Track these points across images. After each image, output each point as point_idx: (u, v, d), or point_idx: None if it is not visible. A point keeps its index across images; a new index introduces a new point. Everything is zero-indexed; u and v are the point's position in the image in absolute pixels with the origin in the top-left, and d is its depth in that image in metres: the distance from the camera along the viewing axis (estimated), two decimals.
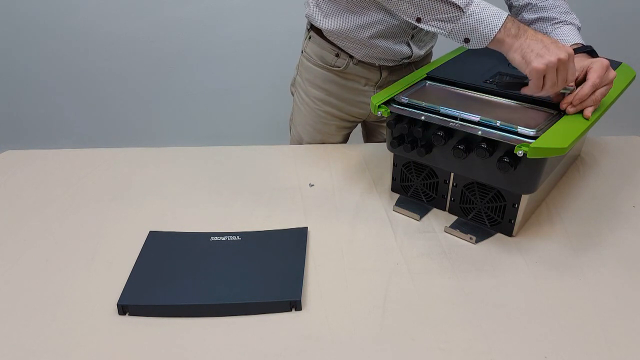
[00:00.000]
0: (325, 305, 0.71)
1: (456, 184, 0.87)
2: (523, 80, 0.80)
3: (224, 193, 0.97)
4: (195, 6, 1.99)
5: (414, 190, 0.93)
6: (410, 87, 0.91)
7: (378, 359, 0.63)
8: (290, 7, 1.96)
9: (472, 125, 0.78)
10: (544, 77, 0.74)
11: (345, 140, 1.25)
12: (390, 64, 1.07)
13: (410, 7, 0.78)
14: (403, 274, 0.76)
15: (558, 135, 0.73)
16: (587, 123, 0.77)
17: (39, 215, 0.90)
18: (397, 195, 0.95)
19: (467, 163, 0.81)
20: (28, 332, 0.67)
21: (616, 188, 0.96)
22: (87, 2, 1.98)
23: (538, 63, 0.73)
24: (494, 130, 0.76)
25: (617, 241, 0.82)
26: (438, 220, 0.88)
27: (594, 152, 1.08)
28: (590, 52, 0.87)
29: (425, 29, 0.81)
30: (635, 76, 0.94)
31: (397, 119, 0.86)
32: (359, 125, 1.32)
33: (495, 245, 0.82)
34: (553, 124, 0.77)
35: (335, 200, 0.94)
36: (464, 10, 0.75)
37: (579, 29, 0.96)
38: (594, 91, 0.79)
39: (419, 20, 0.78)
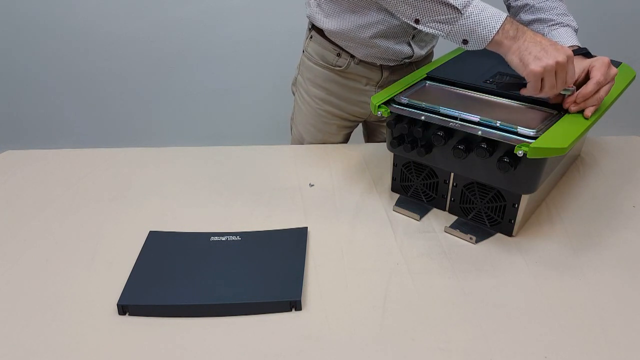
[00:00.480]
0: (325, 305, 0.71)
1: (456, 184, 0.87)
2: (522, 81, 0.80)
3: (224, 193, 0.97)
4: (195, 6, 1.99)
5: (414, 190, 0.93)
6: (410, 87, 0.91)
7: (378, 359, 0.63)
8: (290, 7, 1.96)
9: (472, 125, 0.78)
10: (542, 79, 0.74)
11: (346, 139, 1.25)
12: (392, 64, 1.07)
13: (408, 8, 0.78)
14: (403, 274, 0.76)
15: (558, 135, 0.73)
16: (587, 123, 0.77)
17: (39, 215, 0.90)
18: (397, 195, 0.95)
19: (467, 163, 0.81)
20: (28, 332, 0.67)
21: (616, 188, 0.96)
22: (87, 2, 1.98)
23: (535, 66, 0.73)
24: (494, 130, 0.76)
25: (617, 241, 0.82)
26: (438, 220, 0.88)
27: (594, 152, 1.08)
28: (586, 54, 0.87)
29: (423, 30, 0.81)
30: (635, 76, 0.94)
31: (397, 119, 0.86)
32: (360, 125, 1.32)
33: (495, 245, 0.82)
34: (553, 124, 0.77)
35: (335, 200, 0.94)
36: (462, 12, 0.75)
37: (575, 30, 0.97)
38: (598, 89, 0.79)
39: (417, 21, 0.79)
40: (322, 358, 0.63)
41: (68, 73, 2.15)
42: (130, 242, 0.82)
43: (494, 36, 0.75)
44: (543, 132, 0.74)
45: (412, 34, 1.03)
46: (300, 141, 1.24)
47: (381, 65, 1.07)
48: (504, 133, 0.75)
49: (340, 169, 1.04)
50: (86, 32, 2.04)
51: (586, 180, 0.98)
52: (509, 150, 0.75)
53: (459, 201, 0.87)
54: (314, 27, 1.10)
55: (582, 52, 0.88)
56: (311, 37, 1.11)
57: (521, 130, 0.75)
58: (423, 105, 0.84)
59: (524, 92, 0.79)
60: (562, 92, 0.78)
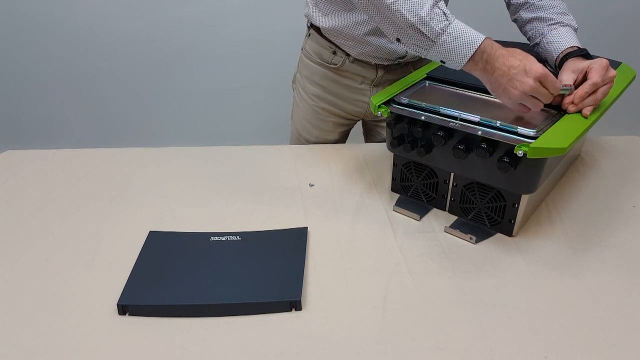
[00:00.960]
0: (325, 305, 0.71)
1: (456, 184, 0.87)
2: None
3: (224, 193, 0.97)
4: (195, 6, 1.99)
5: (414, 190, 0.93)
6: (410, 87, 0.91)
7: (378, 359, 0.63)
8: (290, 7, 1.96)
9: (472, 125, 0.78)
10: (521, 103, 0.76)
11: (343, 138, 1.26)
12: (386, 63, 1.08)
13: (390, 28, 0.80)
14: (403, 274, 0.76)
15: (558, 135, 0.74)
16: (587, 123, 0.77)
17: (39, 215, 0.90)
18: (397, 195, 0.95)
19: (467, 163, 0.81)
20: (28, 332, 0.67)
21: (616, 188, 0.96)
22: (87, 2, 1.98)
23: (506, 100, 0.76)
24: (494, 130, 0.76)
25: (617, 241, 0.82)
26: (438, 220, 0.88)
27: (594, 152, 1.08)
28: (585, 56, 0.88)
29: (404, 49, 0.82)
30: (635, 76, 0.94)
31: (397, 119, 0.86)
32: (360, 125, 1.33)
33: (495, 245, 0.82)
34: (553, 124, 0.77)
35: (335, 200, 0.94)
36: (435, 41, 0.76)
37: (575, 30, 0.97)
38: (595, 90, 0.79)
39: (398, 40, 0.81)
40: (322, 358, 0.63)
41: (68, 73, 2.15)
42: (130, 242, 0.82)
43: (464, 65, 0.76)
44: (543, 132, 0.74)
45: None
46: (298, 137, 1.25)
47: (376, 64, 1.08)
48: (504, 133, 0.75)
49: (340, 169, 1.04)
50: (86, 32, 2.04)
51: (586, 180, 0.99)
52: (509, 150, 0.75)
53: (459, 201, 0.87)
54: (312, 26, 1.11)
55: (582, 54, 0.88)
56: (309, 35, 1.13)
57: (521, 130, 0.75)
58: (423, 105, 0.84)
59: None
60: (561, 92, 0.78)
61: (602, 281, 0.74)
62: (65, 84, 2.17)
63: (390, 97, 0.87)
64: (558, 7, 0.97)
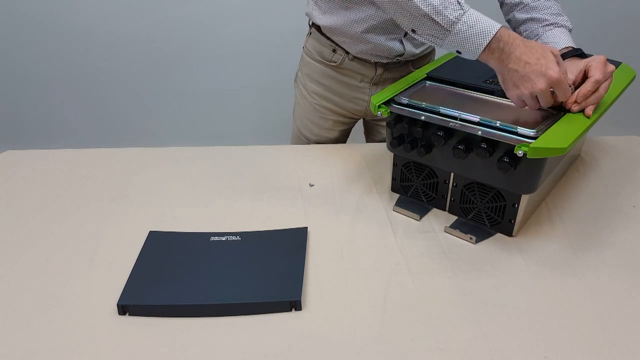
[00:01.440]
0: (325, 305, 0.71)
1: (456, 184, 0.87)
2: None
3: (224, 193, 0.97)
4: (195, 6, 1.99)
5: (414, 190, 0.93)
6: (410, 87, 0.91)
7: (378, 359, 0.63)
8: (290, 7, 1.96)
9: (472, 125, 0.78)
10: (524, 100, 0.77)
11: (344, 137, 1.26)
12: (385, 61, 1.08)
13: (405, 19, 0.80)
14: (403, 274, 0.76)
15: (558, 135, 0.73)
16: (587, 123, 0.77)
17: (39, 215, 0.90)
18: (397, 195, 0.95)
19: (467, 163, 0.81)
20: (28, 332, 0.67)
21: (616, 188, 0.96)
22: (87, 2, 1.98)
23: (512, 94, 0.77)
24: (494, 130, 0.76)
25: (617, 241, 0.82)
26: (438, 220, 0.88)
27: (594, 152, 1.08)
28: (581, 55, 0.88)
29: (419, 39, 0.82)
30: (635, 76, 0.94)
31: (397, 119, 0.86)
32: (361, 124, 1.33)
33: (495, 245, 0.82)
34: (553, 124, 0.77)
35: (335, 200, 0.94)
36: (450, 30, 0.76)
37: (569, 31, 0.97)
38: (597, 87, 0.79)
39: (413, 31, 0.81)
40: (322, 358, 0.63)
41: (68, 73, 2.15)
42: (130, 242, 0.82)
43: (480, 54, 0.76)
44: (543, 132, 0.74)
45: (405, 32, 1.03)
46: (299, 135, 1.25)
47: (375, 62, 1.08)
48: (504, 133, 0.75)
49: (340, 169, 1.04)
50: (86, 32, 2.04)
51: (586, 180, 0.98)
52: (509, 150, 0.75)
53: (459, 201, 0.87)
54: (312, 24, 1.12)
55: (577, 54, 0.88)
56: (310, 34, 1.14)
57: (521, 130, 0.75)
58: (423, 105, 0.84)
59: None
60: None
61: (602, 281, 0.74)
62: (65, 84, 2.17)
63: (390, 97, 0.87)
64: (552, 8, 0.97)
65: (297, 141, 1.27)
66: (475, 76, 0.91)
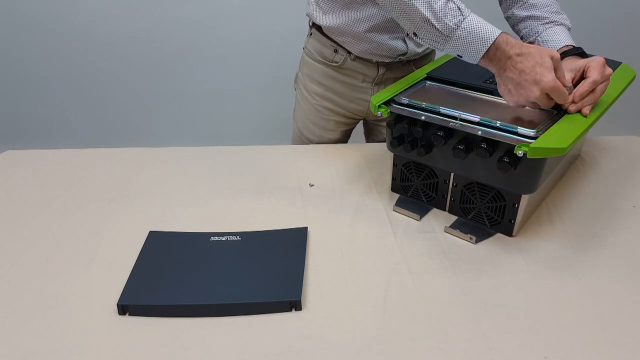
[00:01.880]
0: (325, 305, 0.71)
1: (456, 184, 0.87)
2: None
3: (224, 193, 0.97)
4: (195, 6, 1.99)
5: (414, 190, 0.93)
6: (410, 87, 0.91)
7: (378, 359, 0.63)
8: (290, 7, 1.96)
9: (472, 125, 0.78)
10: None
11: (345, 137, 1.26)
12: (387, 60, 1.08)
13: (407, 23, 0.81)
14: (403, 274, 0.76)
15: (558, 135, 0.73)
16: (587, 123, 0.77)
17: (39, 215, 0.90)
18: (397, 195, 0.95)
19: (467, 163, 0.81)
20: (28, 332, 0.67)
21: (616, 188, 0.96)
22: (87, 2, 1.98)
23: (509, 100, 0.78)
24: (494, 130, 0.76)
25: (617, 241, 0.82)
26: (438, 220, 0.88)
27: (594, 152, 1.08)
28: (581, 54, 0.88)
29: (421, 43, 0.82)
30: (635, 76, 0.94)
31: (397, 119, 0.86)
32: (361, 124, 1.33)
33: (495, 245, 0.82)
34: (553, 124, 0.77)
35: (335, 200, 0.94)
36: (449, 37, 0.77)
37: (569, 29, 0.97)
38: (594, 88, 0.80)
39: (415, 35, 0.81)
40: (322, 358, 0.63)
41: (68, 73, 2.15)
42: (130, 242, 0.82)
43: (479, 59, 0.77)
44: (543, 132, 0.74)
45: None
46: (300, 136, 1.25)
47: (377, 62, 1.08)
48: (504, 133, 0.75)
49: (340, 169, 1.04)
50: (86, 32, 2.04)
51: (586, 180, 0.98)
52: (509, 150, 0.75)
53: (459, 201, 0.87)
54: (313, 25, 1.12)
55: (577, 52, 0.88)
56: (311, 34, 1.14)
57: (521, 130, 0.75)
58: (423, 105, 0.84)
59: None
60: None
61: (602, 281, 0.74)
62: (66, 84, 2.17)
63: (390, 97, 0.87)
64: (552, 6, 0.97)
65: (298, 142, 1.26)
66: (475, 76, 0.91)
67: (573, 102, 0.79)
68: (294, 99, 1.26)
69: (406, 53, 1.06)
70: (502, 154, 0.76)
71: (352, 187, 0.98)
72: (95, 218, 0.90)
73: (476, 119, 0.79)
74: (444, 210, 0.90)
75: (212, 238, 0.81)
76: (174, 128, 2.29)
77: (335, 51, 1.09)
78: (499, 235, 0.84)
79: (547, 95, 0.74)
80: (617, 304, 0.70)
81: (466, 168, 0.82)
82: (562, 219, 0.88)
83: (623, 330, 0.66)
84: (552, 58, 0.74)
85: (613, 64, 0.96)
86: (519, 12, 1.00)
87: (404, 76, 0.97)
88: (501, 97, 0.85)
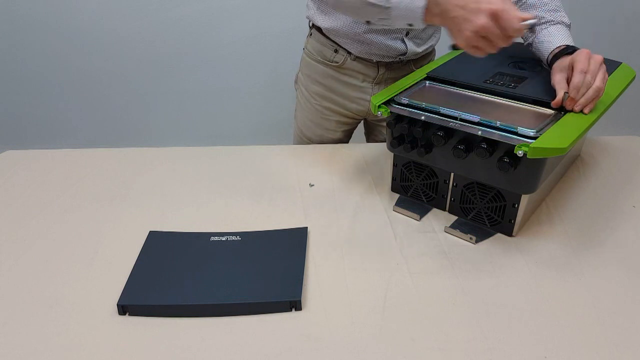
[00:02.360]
0: (325, 305, 0.71)
1: (456, 184, 0.87)
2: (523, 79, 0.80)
3: (224, 193, 0.97)
4: (195, 6, 1.99)
5: (414, 190, 0.93)
6: (410, 87, 0.91)
7: (378, 359, 0.63)
8: (290, 7, 1.96)
9: (472, 125, 0.78)
10: (477, 46, 0.74)
11: (346, 137, 1.26)
12: (387, 60, 1.08)
13: (354, 13, 0.84)
14: (403, 274, 0.76)
15: (558, 135, 0.73)
16: (587, 123, 0.77)
17: (39, 215, 0.90)
18: (397, 195, 0.95)
19: (467, 163, 0.81)
20: (28, 332, 0.67)
21: (616, 188, 0.96)
22: (87, 2, 1.98)
23: (461, 43, 0.75)
24: (494, 130, 0.76)
25: (617, 241, 0.82)
26: (438, 220, 0.88)
27: (594, 152, 1.08)
28: (571, 53, 0.86)
29: (378, 27, 0.83)
30: (635, 76, 0.94)
31: (397, 119, 0.86)
32: (361, 124, 1.33)
33: (495, 245, 0.82)
34: (553, 124, 0.77)
35: (335, 200, 0.94)
36: (388, 7, 0.78)
37: (567, 26, 0.95)
38: (585, 77, 0.78)
39: (368, 22, 0.82)
40: (322, 358, 0.63)
41: (68, 73, 2.15)
42: (130, 242, 0.82)
43: (424, 17, 0.77)
44: (543, 132, 0.74)
45: (406, 31, 1.04)
46: (301, 137, 1.25)
47: (377, 62, 1.08)
48: (504, 133, 0.75)
49: (340, 169, 1.04)
50: (86, 32, 2.04)
51: (586, 180, 0.98)
52: (509, 150, 0.75)
53: (459, 201, 0.87)
54: (313, 25, 1.12)
55: (568, 52, 0.86)
56: (311, 35, 1.14)
57: (521, 130, 0.75)
58: (423, 105, 0.84)
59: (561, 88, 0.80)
60: (524, 25, 0.72)
61: (602, 281, 0.74)
62: (66, 84, 2.17)
63: (390, 97, 0.87)
64: (550, 4, 0.95)
65: (300, 142, 1.26)
66: (475, 76, 0.91)
67: (573, 99, 0.79)
68: (294, 99, 1.26)
69: (406, 53, 1.06)
70: (502, 154, 0.76)
71: (352, 187, 0.98)
72: (95, 218, 0.90)
73: (476, 119, 0.79)
74: (444, 210, 0.90)
75: (212, 238, 0.81)
76: (174, 128, 2.29)
77: (336, 51, 1.09)
78: (499, 235, 0.84)
79: (496, 23, 0.70)
80: (617, 304, 0.70)
81: (466, 168, 0.82)
82: (562, 219, 0.88)
83: (623, 330, 0.66)
84: None
85: (613, 64, 0.96)
86: None
87: (404, 76, 0.97)
88: (501, 97, 0.86)
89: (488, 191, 0.83)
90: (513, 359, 0.62)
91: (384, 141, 1.24)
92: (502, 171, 0.76)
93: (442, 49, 1.14)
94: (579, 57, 0.80)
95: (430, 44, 1.12)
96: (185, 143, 1.23)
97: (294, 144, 1.30)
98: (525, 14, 0.72)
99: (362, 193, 0.96)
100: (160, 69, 2.13)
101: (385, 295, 0.72)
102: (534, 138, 0.73)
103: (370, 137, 1.33)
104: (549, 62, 0.90)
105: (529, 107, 0.83)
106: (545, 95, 0.82)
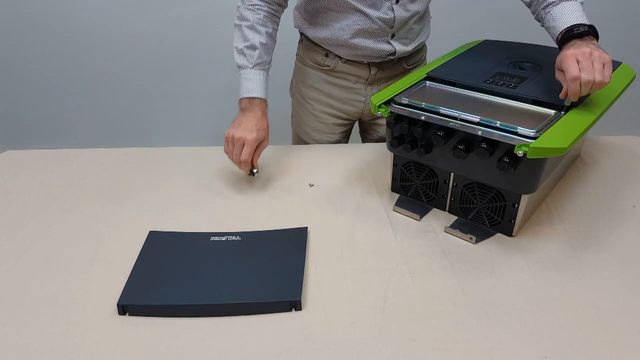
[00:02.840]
0: (325, 305, 0.71)
1: (456, 184, 0.87)
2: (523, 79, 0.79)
3: (224, 193, 0.97)
4: (195, 6, 1.99)
5: (414, 190, 0.93)
6: (410, 87, 0.91)
7: (378, 359, 0.63)
8: (289, 7, 1.95)
9: (472, 125, 0.78)
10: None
11: (344, 138, 1.26)
12: (378, 61, 1.09)
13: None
14: (403, 274, 0.76)
15: (558, 135, 0.73)
16: (587, 123, 0.77)
17: (39, 215, 0.90)
18: (397, 195, 0.95)
19: (467, 163, 0.81)
20: (28, 332, 0.67)
21: (616, 188, 0.96)
22: (87, 2, 1.98)
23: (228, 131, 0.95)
24: (494, 130, 0.76)
25: (617, 241, 0.82)
26: (438, 220, 0.88)
27: (594, 152, 1.08)
28: (572, 36, 0.82)
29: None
30: (635, 76, 0.94)
31: (397, 119, 0.86)
32: (357, 124, 1.33)
33: (495, 245, 0.82)
34: (553, 124, 0.77)
35: (335, 200, 0.94)
36: (238, 68, 1.05)
37: (581, 3, 0.92)
38: (577, 62, 0.76)
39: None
40: (322, 358, 0.63)
41: (68, 73, 2.14)
42: (130, 242, 0.82)
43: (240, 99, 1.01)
44: (543, 132, 0.74)
45: (392, 34, 1.04)
46: (298, 142, 1.25)
47: (368, 62, 1.09)
48: (504, 133, 0.75)
49: (340, 169, 1.04)
50: (86, 32, 2.04)
51: (586, 180, 0.98)
52: (509, 150, 0.75)
53: (459, 201, 0.87)
54: (302, 33, 1.15)
55: (567, 37, 0.82)
56: (301, 41, 1.16)
57: (521, 130, 0.75)
58: (423, 105, 0.84)
59: None
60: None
61: (602, 281, 0.74)
62: (66, 84, 2.17)
63: (390, 97, 0.87)
64: None
65: None
66: (475, 76, 0.91)
67: (574, 93, 0.76)
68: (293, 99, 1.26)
69: (395, 52, 1.07)
70: (502, 154, 0.76)
71: (352, 187, 0.98)
72: (95, 218, 0.90)
73: (476, 119, 0.79)
74: (444, 210, 0.90)
75: (212, 238, 0.81)
76: (174, 128, 2.29)
77: (327, 55, 1.10)
78: (499, 235, 0.84)
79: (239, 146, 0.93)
80: (617, 304, 0.70)
81: (466, 168, 0.82)
82: (562, 219, 0.88)
83: (623, 330, 0.66)
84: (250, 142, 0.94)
85: (613, 64, 0.96)
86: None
87: (397, 75, 0.97)
88: (501, 97, 0.86)
89: (488, 191, 0.83)
90: (513, 359, 0.62)
91: (380, 140, 1.25)
92: (502, 171, 0.76)
93: (433, 44, 1.15)
94: (566, 63, 0.77)
95: (419, 42, 1.12)
96: (185, 143, 1.23)
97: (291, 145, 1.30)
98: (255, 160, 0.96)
99: (362, 193, 0.96)
100: (161, 69, 2.13)
101: (385, 295, 0.72)
102: (534, 138, 0.73)
103: (366, 136, 1.33)
104: (559, 46, 0.86)
105: (529, 107, 0.83)
106: (545, 96, 0.82)
